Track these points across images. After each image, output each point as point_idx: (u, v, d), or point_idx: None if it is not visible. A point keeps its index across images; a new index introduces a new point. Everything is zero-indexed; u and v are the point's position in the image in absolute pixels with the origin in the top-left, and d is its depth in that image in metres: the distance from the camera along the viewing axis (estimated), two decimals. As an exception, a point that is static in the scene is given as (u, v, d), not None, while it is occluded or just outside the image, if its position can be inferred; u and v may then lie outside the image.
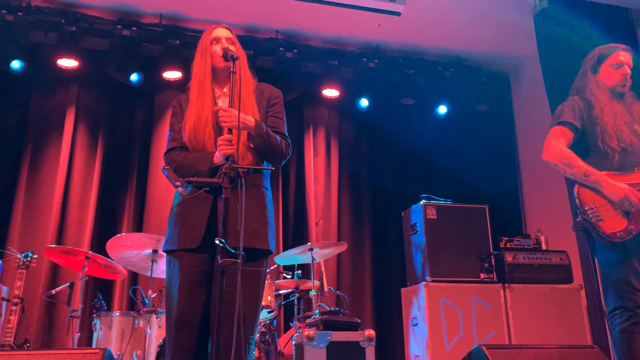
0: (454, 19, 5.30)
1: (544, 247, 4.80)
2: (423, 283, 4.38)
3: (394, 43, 5.72)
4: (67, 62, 5.00)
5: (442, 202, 4.75)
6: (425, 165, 6.01)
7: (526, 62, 5.99)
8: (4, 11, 4.78)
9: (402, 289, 4.89)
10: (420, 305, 4.40)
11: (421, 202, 4.67)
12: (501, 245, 4.68)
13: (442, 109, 5.95)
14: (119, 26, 5.05)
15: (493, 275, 4.54)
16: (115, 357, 3.72)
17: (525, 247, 4.73)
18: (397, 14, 5.14)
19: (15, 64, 4.88)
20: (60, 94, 5.24)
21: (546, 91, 4.70)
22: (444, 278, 4.45)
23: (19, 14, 4.80)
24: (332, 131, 5.94)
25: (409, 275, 4.88)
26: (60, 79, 5.20)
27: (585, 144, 2.96)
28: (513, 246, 4.71)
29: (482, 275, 4.52)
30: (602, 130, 2.90)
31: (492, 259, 4.57)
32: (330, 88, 5.61)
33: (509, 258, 4.58)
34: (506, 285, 4.49)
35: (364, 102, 5.74)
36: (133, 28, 5.08)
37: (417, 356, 4.41)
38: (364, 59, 5.61)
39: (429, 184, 5.83)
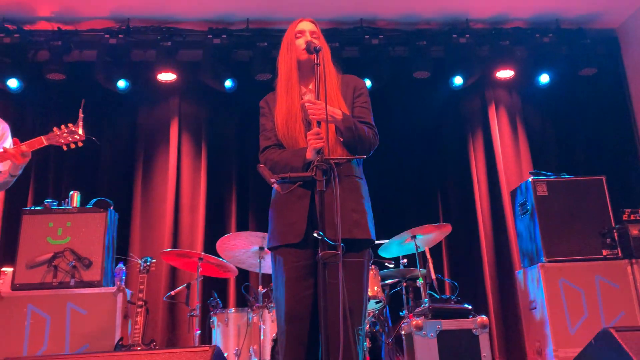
0: (549, -21, 4.95)
1: (674, 216, 4.35)
2: (538, 264, 4.14)
3: (484, 15, 5.45)
4: (166, 76, 5.27)
5: (552, 177, 4.46)
6: (532, 140, 5.68)
7: (636, 15, 5.45)
8: (107, 35, 5.15)
9: (517, 272, 4.66)
10: (537, 288, 4.17)
11: (530, 179, 4.41)
12: (624, 218, 4.30)
13: (544, 78, 5.57)
14: (209, 36, 5.26)
15: (617, 251, 4.19)
16: (234, 352, 3.89)
17: (653, 218, 4.31)
18: (485, -17, 4.90)
19: (121, 84, 5.24)
20: (162, 107, 5.56)
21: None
22: (561, 257, 4.18)
23: (120, 36, 5.16)
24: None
25: (522, 257, 4.64)
26: (162, 93, 5.51)
27: None
28: (638, 218, 4.30)
29: (604, 252, 4.19)
30: None
31: (615, 234, 4.21)
32: (421, 70, 5.45)
33: (634, 231, 4.20)
34: (634, 260, 4.12)
35: (458, 80, 5.51)
36: (223, 36, 5.26)
37: (539, 341, 4.18)
38: (454, 36, 5.40)
39: (536, 160, 5.55)
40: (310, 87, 2.49)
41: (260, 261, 4.03)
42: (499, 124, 5.67)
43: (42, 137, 2.79)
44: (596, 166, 5.51)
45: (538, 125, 5.77)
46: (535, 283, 4.21)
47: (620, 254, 4.18)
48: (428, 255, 4.03)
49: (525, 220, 4.50)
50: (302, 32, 2.49)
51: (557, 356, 3.90)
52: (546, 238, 4.23)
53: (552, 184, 4.38)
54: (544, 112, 5.80)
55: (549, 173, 4.52)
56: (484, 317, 3.50)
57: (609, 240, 4.19)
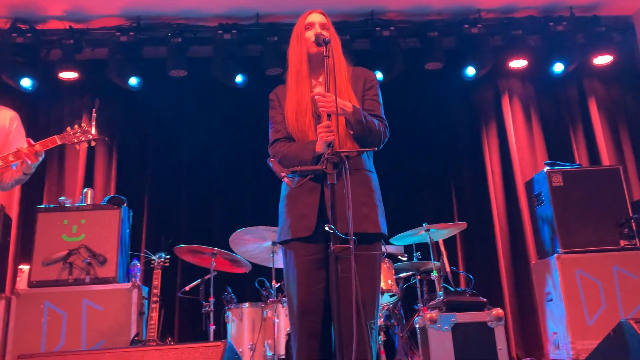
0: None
1: (694, 205, 4.27)
2: (555, 256, 4.10)
3: (495, 4, 5.37)
4: (178, 73, 5.26)
5: (568, 167, 4.39)
6: (547, 129, 5.60)
7: (653, -1, 5.35)
8: (118, 33, 5.16)
9: (532, 264, 4.61)
10: (553, 279, 4.12)
11: (545, 170, 4.36)
12: (642, 208, 4.24)
13: (558, 67, 5.48)
14: (220, 31, 5.25)
15: (635, 241, 4.13)
16: (248, 346, 3.90)
17: (672, 207, 4.24)
18: (497, -28, 4.83)
19: (133, 81, 5.25)
20: (175, 103, 5.57)
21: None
22: (577, 249, 4.13)
23: (131, 33, 5.17)
24: (439, 106, 5.75)
25: (538, 249, 4.59)
26: (173, 89, 5.51)
27: None
28: (656, 208, 4.24)
29: (622, 242, 4.12)
30: None
31: (633, 224, 4.14)
32: (433, 62, 5.39)
33: (652, 221, 4.13)
34: (652, 251, 4.06)
35: (470, 71, 5.44)
36: (233, 31, 5.25)
37: (556, 333, 4.13)
38: (466, 26, 5.34)
39: (551, 150, 5.48)
40: (321, 79, 2.47)
41: (273, 255, 4.03)
42: (512, 115, 5.61)
43: (55, 136, 2.80)
44: (612, 155, 5.44)
45: (553, 115, 5.69)
46: (551, 275, 4.16)
47: (638, 244, 4.12)
48: (442, 248, 4.00)
49: (541, 211, 4.44)
50: (311, 24, 2.46)
51: (575, 348, 3.86)
52: (562, 229, 4.18)
53: (567, 174, 4.32)
54: (558, 102, 5.72)
55: (564, 163, 4.46)
56: (499, 309, 3.46)
57: (626, 230, 4.13)
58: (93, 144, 2.85)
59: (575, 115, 5.67)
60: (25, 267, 4.06)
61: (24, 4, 5.03)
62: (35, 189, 5.14)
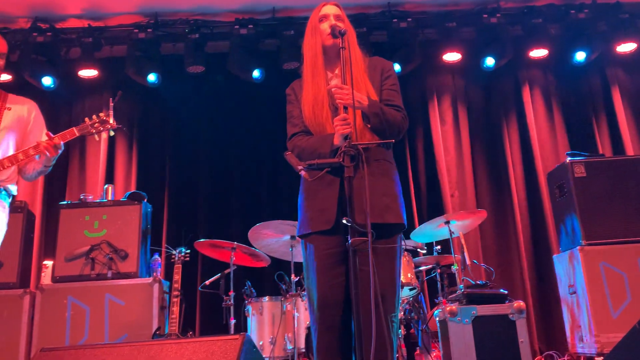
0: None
1: None
2: (577, 247, 4.03)
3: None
4: (195, 69, 5.28)
5: (591, 157, 4.31)
6: (568, 119, 5.51)
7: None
8: (136, 30, 5.20)
9: (555, 256, 4.54)
10: (576, 271, 4.05)
11: (567, 160, 4.28)
12: (667, 198, 4.13)
13: (580, 56, 5.38)
14: (236, 26, 5.25)
15: (661, 233, 4.03)
16: (269, 340, 3.92)
17: (699, 196, 4.13)
18: (516, -41, 4.74)
19: (152, 77, 5.28)
20: (193, 99, 5.60)
21: None
22: (601, 240, 4.05)
23: (149, 30, 5.20)
24: (458, 97, 5.68)
25: (560, 240, 4.52)
26: (192, 85, 5.53)
27: None
28: (683, 197, 4.13)
29: (647, 233, 4.03)
30: None
31: (659, 214, 4.05)
32: (450, 52, 5.33)
33: (678, 211, 4.03)
34: (678, 242, 3.96)
35: (489, 61, 5.36)
36: (249, 26, 5.24)
37: (579, 326, 4.07)
38: (485, 16, 5.26)
39: (573, 141, 5.40)
40: (337, 72, 2.45)
41: (292, 249, 4.03)
42: (533, 105, 5.53)
43: (74, 128, 2.81)
44: (637, 145, 5.33)
45: (575, 104, 5.60)
46: (574, 267, 4.10)
47: (664, 235, 4.03)
48: (462, 241, 3.96)
49: (563, 203, 4.37)
50: (326, 16, 2.44)
51: (599, 341, 3.79)
52: (585, 220, 4.10)
53: (590, 165, 4.24)
54: (580, 91, 5.62)
55: (586, 153, 4.38)
56: (520, 302, 3.41)
57: (652, 221, 4.04)
58: (112, 133, 2.86)
59: (598, 105, 5.57)
60: (49, 263, 4.13)
61: (44, 4, 5.10)
62: (58, 185, 5.23)
